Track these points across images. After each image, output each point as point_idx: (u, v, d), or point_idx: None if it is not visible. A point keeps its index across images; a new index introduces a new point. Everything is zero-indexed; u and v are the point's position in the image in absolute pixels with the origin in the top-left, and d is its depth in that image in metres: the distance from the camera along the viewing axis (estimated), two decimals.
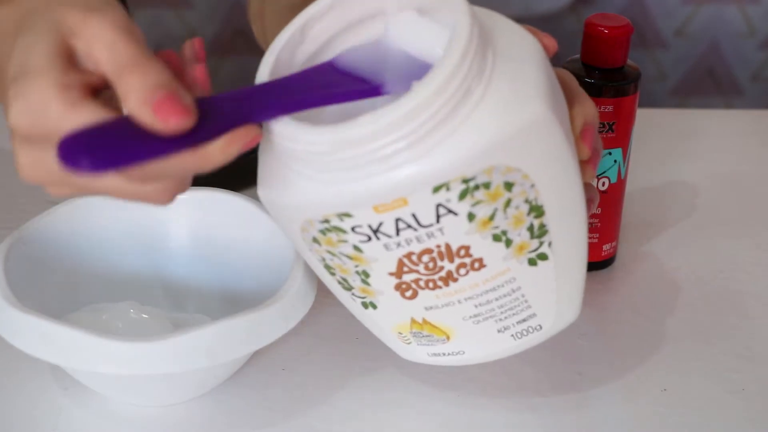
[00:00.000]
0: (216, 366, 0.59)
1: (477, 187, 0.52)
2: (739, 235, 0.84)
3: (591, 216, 0.63)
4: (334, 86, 0.55)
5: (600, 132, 0.74)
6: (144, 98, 0.48)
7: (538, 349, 0.63)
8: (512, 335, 0.61)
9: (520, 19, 0.59)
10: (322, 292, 0.65)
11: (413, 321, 0.60)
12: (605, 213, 0.77)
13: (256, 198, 0.70)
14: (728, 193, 0.90)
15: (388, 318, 0.61)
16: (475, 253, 0.55)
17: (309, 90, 0.54)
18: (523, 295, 0.59)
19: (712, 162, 0.94)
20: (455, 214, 0.53)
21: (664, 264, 0.81)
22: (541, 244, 0.57)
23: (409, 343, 0.63)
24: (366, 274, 0.57)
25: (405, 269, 0.56)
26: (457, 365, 0.64)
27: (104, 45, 0.50)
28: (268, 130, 0.53)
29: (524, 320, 0.60)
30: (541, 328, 0.61)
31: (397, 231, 0.54)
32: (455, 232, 0.54)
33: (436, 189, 0.52)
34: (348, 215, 0.53)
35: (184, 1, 1.47)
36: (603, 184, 0.76)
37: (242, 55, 1.50)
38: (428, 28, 0.56)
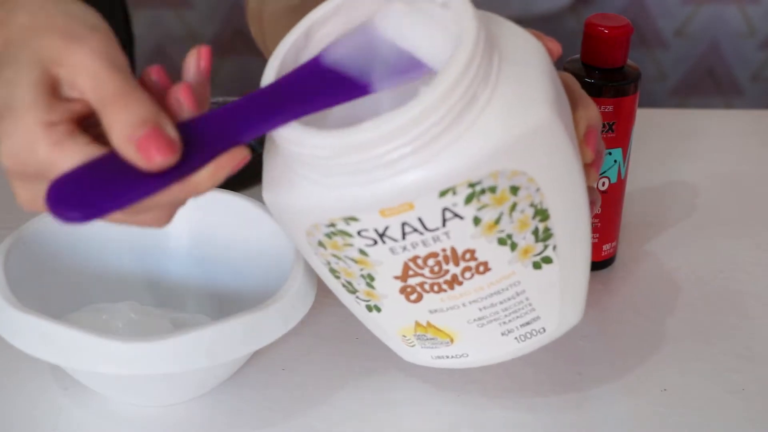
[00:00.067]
0: (216, 366, 0.59)
1: (483, 191, 0.53)
2: (739, 235, 0.84)
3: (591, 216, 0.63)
4: (321, 90, 0.54)
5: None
6: (127, 135, 0.47)
7: (539, 349, 0.63)
8: (516, 338, 0.61)
9: (520, 19, 0.59)
10: (322, 292, 0.65)
11: (417, 324, 0.60)
12: (605, 213, 0.77)
13: (256, 198, 0.70)
14: (728, 193, 0.90)
15: (393, 321, 0.61)
16: (481, 256, 0.56)
17: (295, 99, 0.53)
18: (527, 299, 0.59)
19: (712, 162, 0.94)
20: (461, 218, 0.53)
21: (664, 264, 0.81)
22: (545, 247, 0.57)
23: (412, 346, 0.63)
24: (371, 278, 0.57)
25: (410, 273, 0.56)
26: (461, 368, 0.64)
27: (87, 75, 0.49)
28: (274, 134, 0.53)
29: (528, 323, 0.61)
30: (544, 330, 0.62)
31: (403, 235, 0.54)
32: (461, 235, 0.54)
33: (443, 193, 0.52)
34: (354, 219, 0.53)
35: (184, 1, 1.47)
36: (603, 184, 0.76)
37: (242, 55, 1.50)
38: (417, 21, 0.55)
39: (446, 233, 0.54)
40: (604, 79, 0.73)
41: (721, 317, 0.75)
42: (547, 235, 0.56)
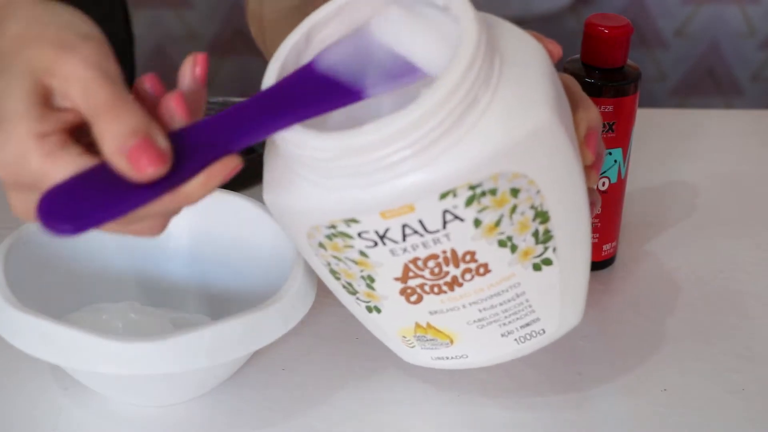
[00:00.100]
0: (216, 366, 0.59)
1: (483, 194, 0.53)
2: (739, 235, 0.84)
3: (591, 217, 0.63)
4: (313, 97, 0.53)
5: None
6: (117, 146, 0.47)
7: (539, 349, 0.63)
8: (515, 339, 0.61)
9: (520, 19, 0.59)
10: (322, 292, 0.65)
11: (417, 325, 0.60)
12: (605, 213, 0.77)
13: (256, 198, 0.70)
14: (728, 193, 0.90)
15: (393, 322, 0.61)
16: (481, 258, 0.56)
17: (287, 107, 0.52)
18: (527, 300, 0.59)
19: (712, 162, 0.94)
20: (462, 220, 0.53)
21: (664, 264, 0.81)
22: (545, 249, 0.57)
23: (412, 347, 0.63)
24: (371, 279, 0.57)
25: (410, 274, 0.56)
26: (460, 369, 0.64)
27: (78, 85, 0.49)
28: (275, 136, 0.53)
29: (528, 324, 0.61)
30: (544, 332, 0.62)
31: (404, 237, 0.54)
32: (461, 237, 0.54)
33: (443, 195, 0.52)
34: (355, 221, 0.53)
35: (184, 1, 1.47)
36: (603, 184, 0.76)
37: (242, 55, 1.50)
38: (413, 25, 0.55)
39: (447, 235, 0.54)
40: (604, 79, 0.73)
41: (721, 317, 0.75)
42: (548, 237, 0.56)
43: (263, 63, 0.65)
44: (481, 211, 0.53)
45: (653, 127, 0.99)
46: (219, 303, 0.71)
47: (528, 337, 0.62)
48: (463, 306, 0.58)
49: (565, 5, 1.24)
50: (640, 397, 0.68)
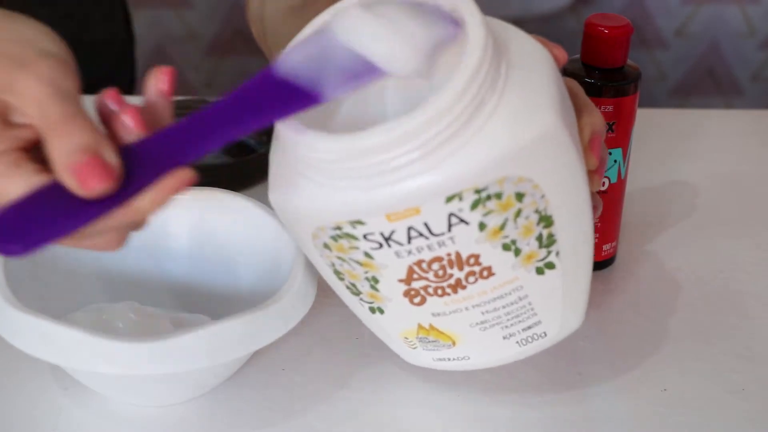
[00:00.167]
0: (216, 366, 0.59)
1: (489, 198, 0.53)
2: (739, 235, 0.84)
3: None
4: (269, 104, 0.52)
5: None
6: (65, 163, 0.47)
7: None
8: (517, 342, 0.62)
9: (520, 19, 0.59)
10: (322, 292, 0.65)
11: (420, 327, 0.61)
12: (605, 213, 0.77)
13: (256, 198, 0.70)
14: (728, 193, 0.90)
15: (395, 323, 0.61)
16: (485, 261, 0.56)
17: (241, 116, 0.51)
18: (529, 303, 0.59)
19: (712, 162, 0.94)
20: (467, 223, 0.53)
21: (665, 264, 0.81)
22: (549, 253, 0.57)
23: (414, 348, 0.63)
24: (375, 280, 0.57)
25: (415, 276, 0.56)
26: (462, 370, 0.64)
27: (32, 102, 0.49)
28: (281, 136, 0.53)
29: (530, 327, 0.61)
30: (546, 335, 0.62)
31: (409, 239, 0.54)
32: (466, 241, 0.54)
33: (449, 199, 0.52)
34: (360, 223, 0.54)
35: (184, 1, 1.47)
36: (603, 184, 0.76)
37: (242, 55, 1.50)
38: (373, 24, 0.54)
39: (451, 238, 0.54)
40: (604, 79, 0.73)
41: (721, 317, 0.75)
42: (551, 241, 0.56)
43: (263, 63, 0.65)
44: (486, 214, 0.53)
45: (653, 127, 0.99)
46: (219, 303, 0.71)
47: (529, 339, 0.62)
48: (466, 308, 0.58)
49: (565, 5, 1.24)
50: (640, 397, 0.68)
